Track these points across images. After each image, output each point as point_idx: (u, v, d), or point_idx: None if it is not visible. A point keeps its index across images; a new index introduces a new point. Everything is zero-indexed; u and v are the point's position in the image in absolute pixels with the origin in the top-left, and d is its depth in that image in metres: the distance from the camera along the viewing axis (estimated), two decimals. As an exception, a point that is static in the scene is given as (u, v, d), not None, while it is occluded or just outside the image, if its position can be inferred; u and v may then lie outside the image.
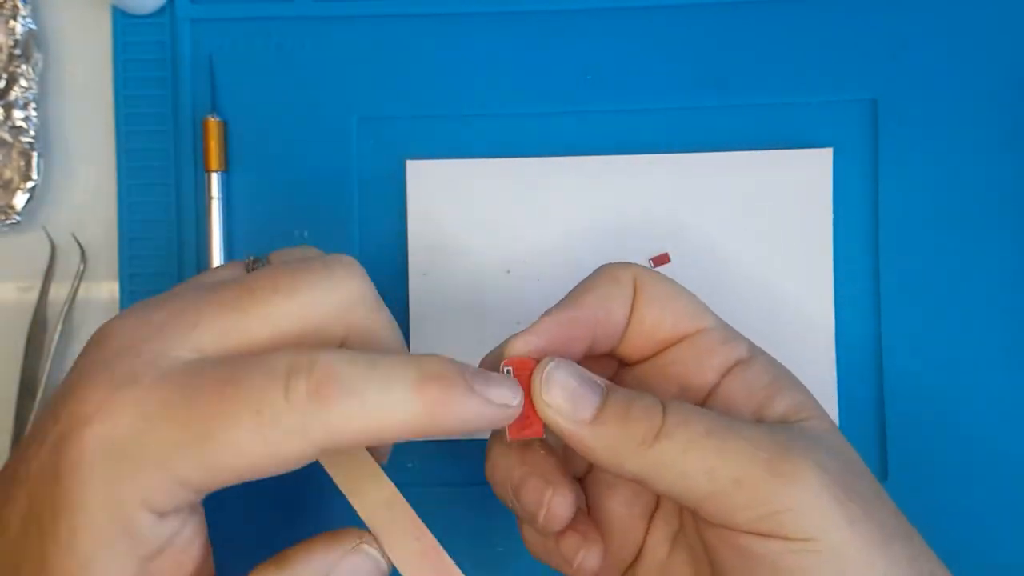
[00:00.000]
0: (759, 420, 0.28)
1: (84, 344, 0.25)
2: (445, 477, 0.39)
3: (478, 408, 0.24)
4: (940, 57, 0.39)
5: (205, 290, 0.26)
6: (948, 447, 0.38)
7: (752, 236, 0.39)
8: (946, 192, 0.39)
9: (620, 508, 0.30)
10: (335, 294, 0.26)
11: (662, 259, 0.38)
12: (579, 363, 0.28)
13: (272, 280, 0.26)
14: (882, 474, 0.38)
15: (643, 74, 0.39)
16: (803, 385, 0.29)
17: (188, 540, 0.25)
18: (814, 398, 0.29)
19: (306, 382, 0.23)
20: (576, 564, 0.29)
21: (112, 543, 0.23)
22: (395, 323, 0.29)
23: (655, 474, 0.26)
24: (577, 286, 0.29)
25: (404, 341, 0.29)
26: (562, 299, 0.29)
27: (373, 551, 0.25)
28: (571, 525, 0.29)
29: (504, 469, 0.29)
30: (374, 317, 0.27)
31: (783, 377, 0.29)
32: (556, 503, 0.28)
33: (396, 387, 0.24)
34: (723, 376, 0.28)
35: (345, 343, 0.27)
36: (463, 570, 0.26)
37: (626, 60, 0.39)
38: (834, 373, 0.38)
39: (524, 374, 0.27)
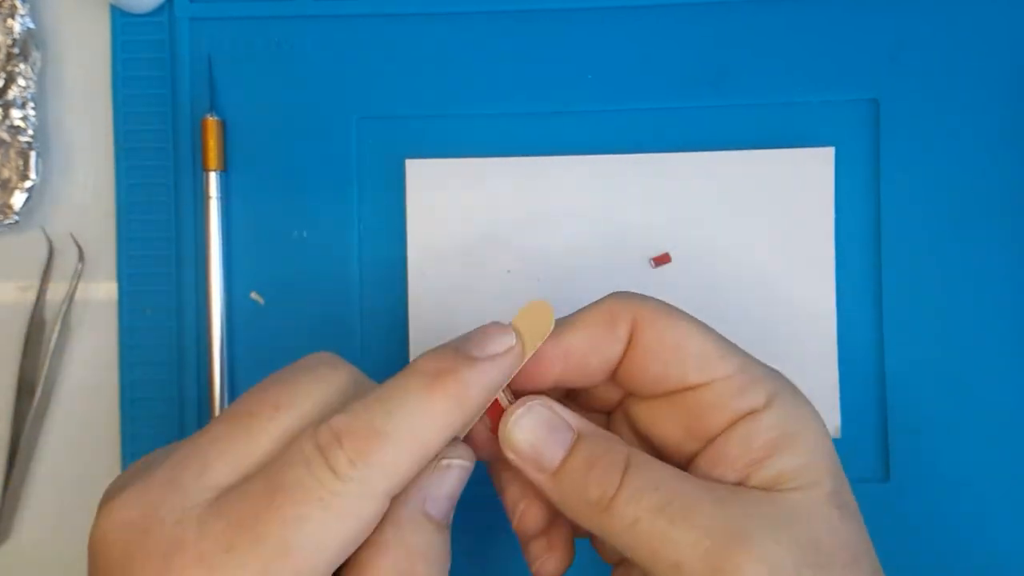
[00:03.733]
0: (744, 481, 0.26)
1: (92, 549, 0.24)
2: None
3: (491, 368, 0.26)
4: (941, 57, 0.39)
5: (199, 433, 0.25)
6: (950, 447, 0.38)
7: (754, 235, 0.39)
8: (948, 191, 0.39)
9: None
10: (330, 386, 0.26)
11: (663, 259, 0.38)
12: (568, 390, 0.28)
13: (272, 398, 0.25)
14: (884, 474, 0.38)
15: (643, 74, 0.39)
16: (818, 441, 0.27)
17: None
18: (826, 458, 0.27)
19: (343, 451, 0.23)
20: (535, 569, 0.29)
21: None
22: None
23: (608, 537, 0.26)
24: (573, 315, 0.28)
25: None
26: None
27: (455, 461, 0.26)
28: (544, 531, 0.29)
29: (493, 466, 0.30)
30: (368, 387, 0.27)
31: (791, 435, 0.27)
32: (527, 516, 0.29)
33: (415, 404, 0.24)
34: (729, 426, 0.27)
35: None
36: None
37: (626, 60, 0.39)
38: (836, 372, 0.38)
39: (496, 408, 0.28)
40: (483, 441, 0.28)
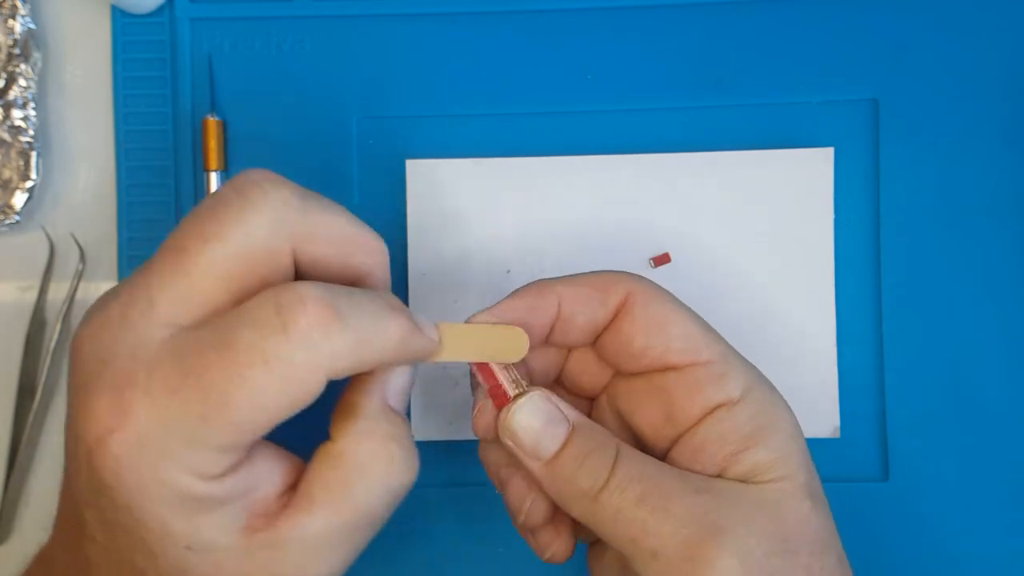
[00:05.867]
0: (722, 473, 0.28)
1: (71, 359, 0.26)
2: (438, 478, 0.39)
3: (425, 340, 0.27)
4: (940, 57, 0.39)
5: (143, 267, 0.26)
6: (950, 447, 0.38)
7: (753, 236, 0.39)
8: (947, 191, 0.39)
9: None
10: (263, 215, 0.25)
11: (662, 259, 0.38)
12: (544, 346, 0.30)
13: (196, 228, 0.25)
14: (883, 474, 0.38)
15: (643, 74, 0.39)
16: (791, 435, 0.29)
17: (267, 464, 0.26)
18: (798, 451, 0.28)
19: (305, 316, 0.24)
20: (547, 557, 0.31)
21: (196, 514, 0.24)
22: (334, 208, 0.27)
23: (593, 524, 0.28)
24: (566, 277, 0.30)
25: (356, 223, 0.28)
26: (543, 282, 0.30)
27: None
28: (549, 520, 0.30)
29: (493, 460, 0.31)
30: (310, 218, 0.26)
31: (766, 427, 0.28)
32: (535, 508, 0.30)
33: (380, 313, 0.25)
34: (706, 416, 0.29)
35: (296, 254, 0.26)
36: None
37: (626, 60, 0.39)
38: (835, 372, 0.38)
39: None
40: (488, 425, 0.30)
